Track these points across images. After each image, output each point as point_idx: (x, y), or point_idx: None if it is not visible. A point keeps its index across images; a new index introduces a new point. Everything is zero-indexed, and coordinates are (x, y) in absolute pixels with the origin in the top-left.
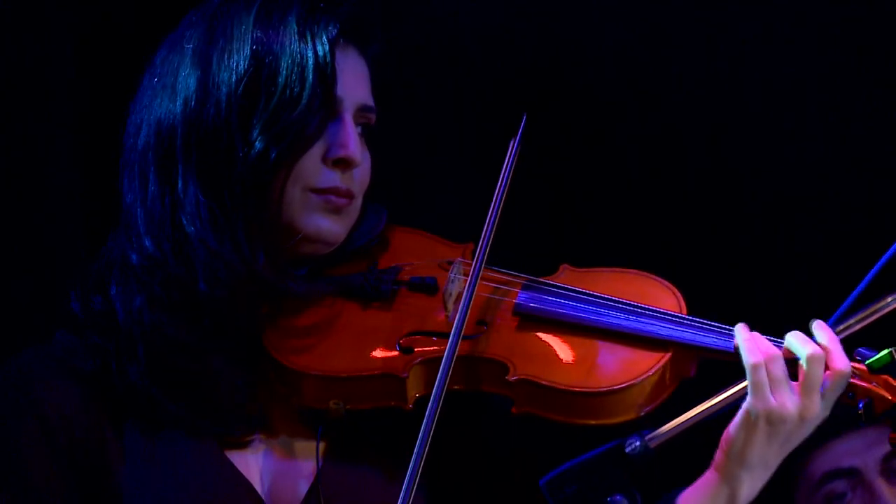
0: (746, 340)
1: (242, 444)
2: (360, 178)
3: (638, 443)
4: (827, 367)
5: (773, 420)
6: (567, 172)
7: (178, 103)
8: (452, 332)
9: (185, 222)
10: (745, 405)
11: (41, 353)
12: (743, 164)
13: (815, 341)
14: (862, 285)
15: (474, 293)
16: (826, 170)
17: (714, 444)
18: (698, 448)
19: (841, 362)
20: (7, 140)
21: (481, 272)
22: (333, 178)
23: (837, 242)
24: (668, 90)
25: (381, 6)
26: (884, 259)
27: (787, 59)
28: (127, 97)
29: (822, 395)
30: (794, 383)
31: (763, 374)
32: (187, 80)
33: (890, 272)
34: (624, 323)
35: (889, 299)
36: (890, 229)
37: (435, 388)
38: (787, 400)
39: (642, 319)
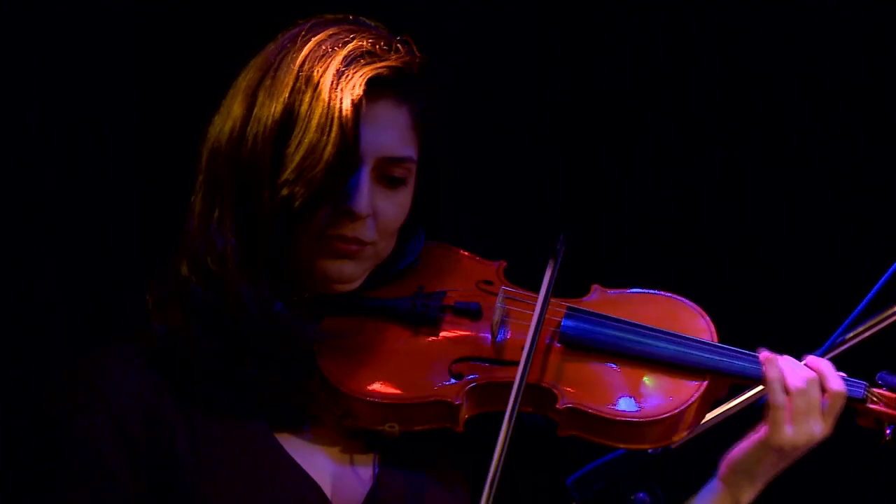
0: (775, 381)
1: (301, 443)
2: (379, 225)
3: None
4: (824, 391)
5: (785, 449)
6: (595, 190)
7: (227, 127)
8: (521, 365)
9: (215, 258)
10: (762, 438)
11: (109, 346)
12: (743, 173)
13: (808, 366)
14: (871, 294)
15: (538, 334)
16: (830, 177)
17: (729, 443)
18: (716, 447)
19: (836, 383)
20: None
21: (545, 313)
22: (341, 227)
23: (844, 252)
24: (690, 105)
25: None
26: (893, 268)
27: (803, 74)
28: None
29: (823, 415)
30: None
31: (783, 412)
32: (238, 108)
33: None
34: (664, 352)
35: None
36: None
37: (506, 419)
38: (802, 430)
39: (681, 348)
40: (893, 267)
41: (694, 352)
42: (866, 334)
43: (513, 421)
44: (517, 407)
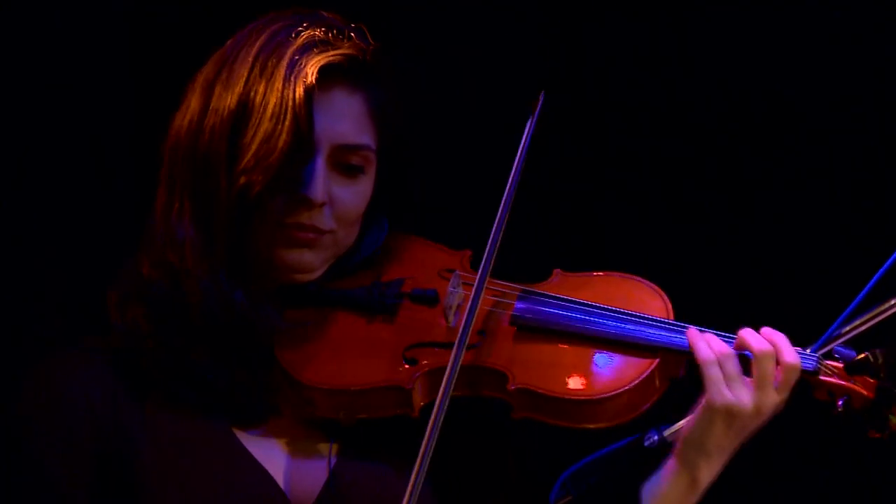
0: (698, 340)
1: (259, 436)
2: (337, 213)
3: (656, 437)
4: (778, 363)
5: (731, 413)
6: (560, 175)
7: (185, 121)
8: (455, 345)
9: (175, 250)
10: (703, 400)
11: (71, 348)
12: (740, 165)
13: (765, 338)
14: (867, 288)
15: (478, 307)
16: (828, 172)
17: None
18: None
19: (790, 356)
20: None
21: (484, 287)
22: (298, 215)
23: (841, 246)
24: (665, 92)
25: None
26: (889, 262)
27: (792, 64)
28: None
29: (777, 389)
30: (749, 378)
31: (716, 370)
32: (195, 102)
33: (892, 276)
34: (615, 330)
35: (893, 302)
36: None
37: (439, 397)
38: (743, 394)
39: (632, 326)
40: (891, 259)
41: (646, 329)
42: (863, 328)
43: (446, 402)
44: (451, 386)
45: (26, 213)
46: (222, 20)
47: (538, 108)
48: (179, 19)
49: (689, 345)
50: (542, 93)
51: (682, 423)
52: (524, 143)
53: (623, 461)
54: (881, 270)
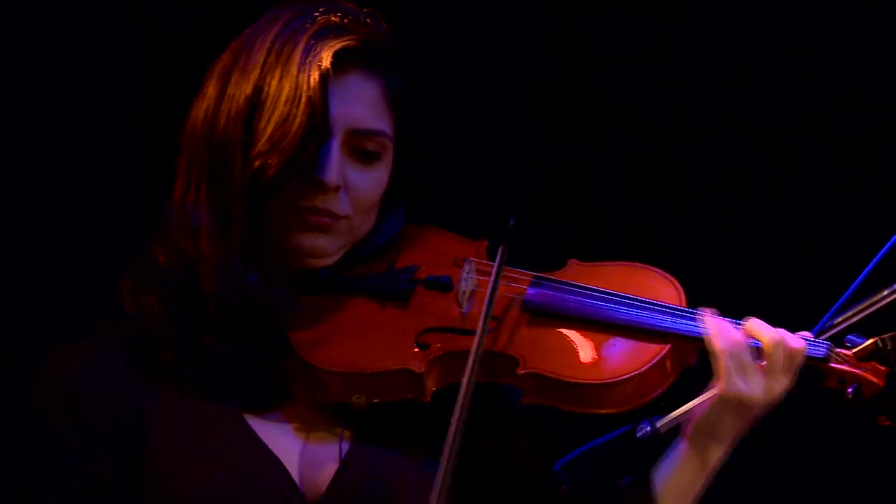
0: (715, 327)
1: (271, 422)
2: (352, 198)
3: (648, 428)
4: (786, 349)
5: (742, 403)
6: (579, 167)
7: (202, 108)
8: (478, 332)
9: (189, 236)
10: (715, 389)
11: (86, 337)
12: (745, 157)
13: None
14: (860, 279)
15: (494, 300)
16: (825, 163)
17: None
18: None
19: (796, 342)
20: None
21: (500, 280)
22: (313, 199)
23: (836, 236)
24: (672, 84)
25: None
26: (882, 252)
27: (792, 59)
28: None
29: (786, 374)
30: (756, 365)
31: (731, 361)
32: (212, 89)
33: (887, 265)
34: (626, 316)
35: (886, 292)
36: (889, 223)
37: (464, 383)
38: (755, 384)
39: (643, 312)
40: (886, 247)
41: (657, 315)
42: (857, 318)
43: (471, 386)
44: (475, 372)
45: (32, 207)
46: (222, 20)
47: (505, 236)
48: (179, 19)
49: (707, 334)
50: (512, 217)
51: (674, 413)
52: (497, 269)
53: (616, 452)
54: (873, 262)
